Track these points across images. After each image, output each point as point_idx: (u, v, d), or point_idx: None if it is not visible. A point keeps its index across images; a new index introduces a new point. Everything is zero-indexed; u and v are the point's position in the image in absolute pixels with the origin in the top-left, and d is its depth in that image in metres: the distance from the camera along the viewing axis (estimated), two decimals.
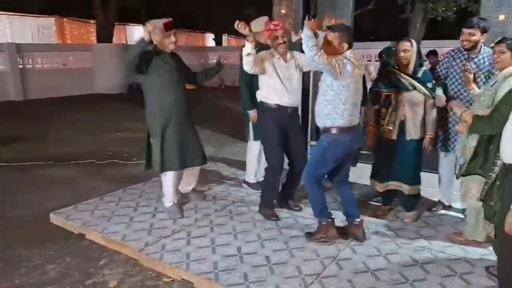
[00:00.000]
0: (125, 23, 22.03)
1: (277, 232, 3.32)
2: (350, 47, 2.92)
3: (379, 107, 3.40)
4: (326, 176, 3.22)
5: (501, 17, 4.58)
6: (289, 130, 3.46)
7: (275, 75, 3.36)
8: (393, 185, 3.46)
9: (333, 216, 3.18)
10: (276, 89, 3.38)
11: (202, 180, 4.29)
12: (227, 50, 17.89)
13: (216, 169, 5.04)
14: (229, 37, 28.60)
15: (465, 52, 3.40)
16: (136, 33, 22.22)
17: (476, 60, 3.33)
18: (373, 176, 3.57)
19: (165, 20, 3.34)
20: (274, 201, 3.67)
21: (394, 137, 3.32)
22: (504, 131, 1.66)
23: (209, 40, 25.24)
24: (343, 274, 2.71)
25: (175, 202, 3.69)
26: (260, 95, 3.53)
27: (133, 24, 22.57)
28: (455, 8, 10.89)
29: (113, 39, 15.68)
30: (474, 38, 3.28)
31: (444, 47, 10.61)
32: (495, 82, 2.78)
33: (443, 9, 10.77)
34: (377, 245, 3.09)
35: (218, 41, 23.59)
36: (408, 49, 3.24)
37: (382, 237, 3.23)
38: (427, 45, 11.17)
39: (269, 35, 3.40)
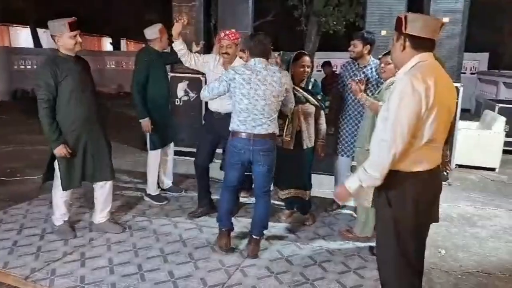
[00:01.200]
0: (8, 24, 19.85)
1: (181, 245, 3.22)
2: (252, 56, 2.93)
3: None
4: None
5: (383, 32, 5.10)
6: (223, 135, 3.44)
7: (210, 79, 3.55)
8: (293, 192, 3.56)
9: (226, 228, 3.12)
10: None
11: None
12: (126, 55, 17.10)
13: (115, 182, 4.73)
14: (128, 41, 27.48)
15: (356, 63, 3.72)
16: (21, 35, 20.16)
17: (365, 70, 3.67)
18: (276, 183, 3.60)
19: (69, 19, 3.02)
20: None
21: (291, 147, 3.41)
22: (372, 137, 1.84)
23: (106, 44, 23.95)
24: (248, 281, 2.72)
25: (66, 220, 3.35)
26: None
27: (18, 25, 20.42)
28: (344, 23, 11.82)
29: None
30: (357, 49, 3.62)
31: (335, 58, 11.52)
32: (379, 91, 3.08)
33: (334, 23, 11.63)
34: (279, 249, 3.18)
35: (116, 45, 22.48)
36: (309, 65, 3.42)
37: (284, 240, 3.34)
38: (321, 56, 12.04)
39: (219, 41, 3.51)
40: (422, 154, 1.76)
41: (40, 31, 18.30)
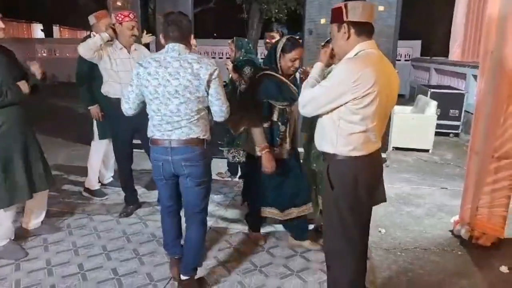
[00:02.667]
0: None
1: (124, 241, 3.11)
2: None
3: (270, 125, 2.76)
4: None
5: (322, 20, 5.19)
6: (141, 127, 2.94)
7: (113, 67, 3.30)
8: (296, 211, 2.94)
9: (176, 257, 2.62)
10: (115, 81, 3.33)
11: None
12: (60, 43, 16.05)
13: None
14: (62, 28, 25.85)
15: None
16: None
17: None
18: (270, 204, 2.96)
19: None
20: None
21: (285, 155, 2.87)
22: (318, 122, 1.91)
23: (37, 31, 22.35)
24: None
25: (12, 238, 2.94)
26: (103, 89, 3.44)
27: None
28: (286, 10, 11.94)
29: None
30: (274, 40, 3.70)
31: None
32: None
33: (276, 10, 11.71)
34: (227, 238, 3.18)
35: (48, 32, 21.06)
36: (299, 57, 2.77)
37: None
38: (262, 45, 12.08)
39: (121, 22, 3.27)
40: (359, 139, 1.82)
41: None
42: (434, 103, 6.17)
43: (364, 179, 1.87)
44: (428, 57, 11.46)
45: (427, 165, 5.40)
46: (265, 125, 2.73)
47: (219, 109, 2.34)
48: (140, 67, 2.25)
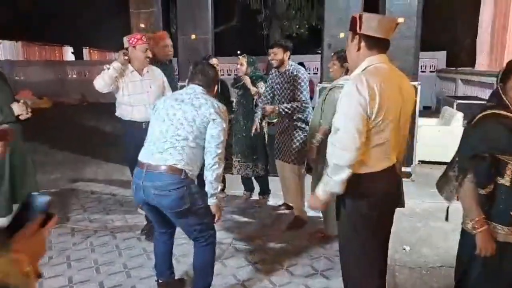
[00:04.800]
0: None
1: (145, 258, 3.11)
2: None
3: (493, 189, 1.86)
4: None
5: (342, 34, 5.17)
6: None
7: (124, 91, 3.28)
8: None
9: (161, 280, 2.57)
10: (127, 105, 3.31)
11: (59, 209, 3.83)
12: (89, 64, 16.66)
13: (76, 195, 4.57)
14: (91, 50, 26.84)
15: (277, 71, 3.74)
16: None
17: (284, 75, 3.66)
18: None
19: None
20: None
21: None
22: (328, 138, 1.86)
23: (68, 53, 23.28)
24: None
25: None
26: (117, 112, 3.44)
27: None
28: (307, 26, 12.02)
29: None
30: (277, 56, 3.65)
31: (298, 60, 11.64)
32: (327, 94, 3.09)
33: (297, 26, 11.81)
34: (245, 256, 3.14)
35: (78, 54, 21.90)
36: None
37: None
38: None
39: (135, 46, 3.24)
40: (372, 156, 1.77)
41: None
42: (460, 115, 5.99)
43: (376, 194, 1.82)
44: (454, 68, 11.21)
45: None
46: (483, 191, 1.84)
47: (215, 157, 2.19)
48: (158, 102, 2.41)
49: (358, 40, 1.78)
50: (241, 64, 4.15)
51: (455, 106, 6.72)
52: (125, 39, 3.29)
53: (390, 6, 4.90)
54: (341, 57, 3.02)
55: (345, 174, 1.71)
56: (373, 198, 1.80)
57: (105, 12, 16.31)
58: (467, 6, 11.56)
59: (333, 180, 1.75)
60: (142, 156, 2.26)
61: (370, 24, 1.74)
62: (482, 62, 10.93)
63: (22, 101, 2.96)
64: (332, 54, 3.17)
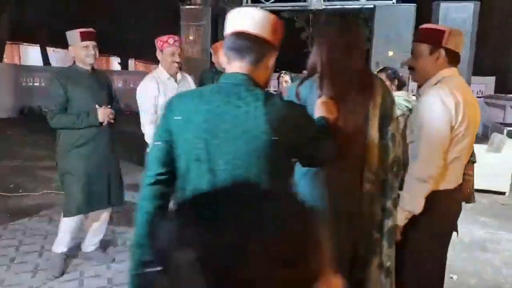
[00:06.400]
0: (19, 42, 20.21)
1: None
2: None
3: None
4: None
5: (390, 53, 5.10)
6: None
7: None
8: None
9: None
10: None
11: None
12: (134, 74, 17.28)
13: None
14: (136, 62, 27.87)
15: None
16: (31, 53, 20.53)
17: None
18: None
19: (81, 29, 2.87)
20: None
21: None
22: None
23: (115, 63, 24.30)
24: None
25: (65, 251, 2.96)
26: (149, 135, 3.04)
27: (28, 44, 20.78)
28: None
29: (4, 59, 14.23)
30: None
31: None
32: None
33: None
34: None
35: (124, 65, 22.81)
36: None
37: None
38: None
39: (162, 50, 3.02)
40: (449, 171, 1.71)
41: (49, 49, 18.63)
42: (511, 142, 5.71)
43: (445, 216, 1.75)
44: (503, 94, 10.75)
45: (504, 209, 4.93)
46: None
47: None
48: None
49: (443, 54, 1.76)
50: (286, 82, 4.16)
51: (505, 133, 6.41)
52: (69, 33, 2.90)
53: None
54: (389, 75, 3.04)
55: (427, 188, 1.66)
56: (447, 216, 1.73)
57: (154, 25, 16.96)
58: None
59: (414, 197, 1.68)
60: None
61: (456, 39, 1.75)
62: None
63: (107, 107, 2.91)
64: (377, 71, 3.12)
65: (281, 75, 4.35)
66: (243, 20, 1.25)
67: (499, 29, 12.76)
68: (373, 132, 1.59)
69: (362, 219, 1.61)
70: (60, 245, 2.95)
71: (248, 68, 1.27)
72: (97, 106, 2.86)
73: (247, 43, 1.25)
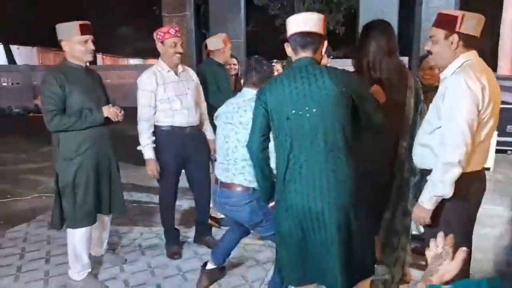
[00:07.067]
0: None
1: (180, 280, 2.82)
2: None
3: None
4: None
5: None
6: (189, 154, 3.08)
7: (165, 95, 2.95)
8: None
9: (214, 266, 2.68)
10: (167, 108, 2.96)
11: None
12: (106, 70, 16.70)
13: None
14: (104, 56, 27.06)
15: None
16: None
17: None
18: None
19: (80, 22, 2.59)
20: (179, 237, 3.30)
21: None
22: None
23: None
24: None
25: (90, 271, 2.76)
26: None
27: None
28: (326, 31, 12.07)
29: None
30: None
31: None
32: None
33: None
34: None
35: (93, 60, 22.07)
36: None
37: None
38: None
39: (163, 41, 2.92)
40: (476, 153, 1.75)
41: (13, 47, 17.77)
42: None
43: (475, 198, 1.80)
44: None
45: (492, 185, 5.13)
46: None
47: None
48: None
49: (457, 39, 1.78)
50: (277, 70, 4.14)
51: None
52: (64, 26, 2.67)
53: (426, 10, 4.85)
54: None
55: (457, 171, 1.69)
56: (476, 197, 1.78)
57: (122, 19, 16.46)
58: (487, 12, 11.54)
59: (443, 181, 1.71)
60: (216, 171, 2.44)
61: (470, 23, 1.76)
62: (504, 66, 10.90)
63: (115, 105, 2.72)
64: (421, 58, 3.15)
65: (273, 64, 4.33)
66: (306, 22, 1.82)
67: (468, 10, 13.14)
68: (410, 109, 2.21)
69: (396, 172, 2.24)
70: (81, 267, 2.70)
71: (311, 54, 1.84)
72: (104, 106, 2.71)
73: (310, 39, 1.83)
